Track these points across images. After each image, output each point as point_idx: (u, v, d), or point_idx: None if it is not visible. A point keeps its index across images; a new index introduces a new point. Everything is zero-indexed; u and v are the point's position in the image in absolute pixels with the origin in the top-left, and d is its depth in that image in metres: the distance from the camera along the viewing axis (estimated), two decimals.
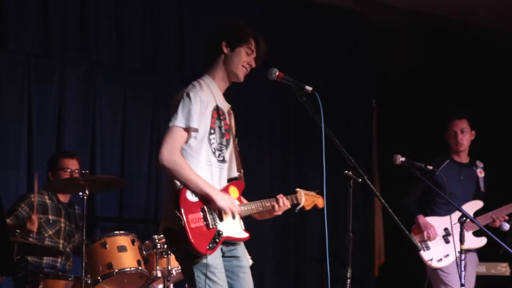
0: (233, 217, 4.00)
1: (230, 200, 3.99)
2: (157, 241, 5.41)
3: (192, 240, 3.82)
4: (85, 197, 5.24)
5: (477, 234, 5.81)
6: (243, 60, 4.08)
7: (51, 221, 5.70)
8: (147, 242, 5.48)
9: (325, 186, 3.90)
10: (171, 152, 3.86)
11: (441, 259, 5.82)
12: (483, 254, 6.08)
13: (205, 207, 3.93)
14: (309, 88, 3.91)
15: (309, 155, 7.62)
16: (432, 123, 6.56)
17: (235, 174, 4.20)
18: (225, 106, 4.13)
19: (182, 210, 3.85)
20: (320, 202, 4.42)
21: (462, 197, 5.91)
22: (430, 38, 8.23)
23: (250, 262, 4.24)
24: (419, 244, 5.75)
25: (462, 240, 4.91)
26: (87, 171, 5.34)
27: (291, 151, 7.67)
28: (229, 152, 4.14)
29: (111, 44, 6.61)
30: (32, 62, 6.32)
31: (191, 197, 3.91)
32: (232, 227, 4.02)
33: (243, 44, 4.06)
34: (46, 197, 5.76)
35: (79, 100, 6.55)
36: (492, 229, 5.46)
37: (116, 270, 5.22)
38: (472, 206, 5.91)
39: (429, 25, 8.12)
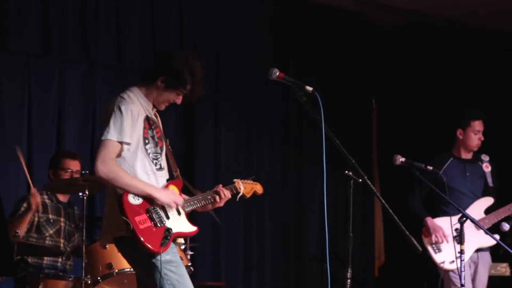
0: (178, 211, 4.09)
1: (173, 194, 4.08)
2: None
3: (143, 241, 3.90)
4: (85, 198, 5.25)
5: (489, 231, 5.73)
6: (171, 99, 4.18)
7: (51, 220, 5.69)
8: None
9: (325, 186, 3.90)
10: (105, 162, 3.92)
11: (453, 261, 5.74)
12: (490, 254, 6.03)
13: (149, 207, 4.00)
14: (309, 88, 3.91)
15: (309, 155, 7.62)
16: (432, 123, 6.56)
17: (172, 175, 4.28)
18: (153, 115, 4.20)
19: (127, 215, 3.92)
20: (259, 188, 4.58)
21: (471, 194, 5.86)
22: (430, 38, 8.23)
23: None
24: (418, 245, 5.72)
25: (461, 240, 4.90)
26: (87, 171, 5.34)
27: (291, 151, 7.67)
28: (164, 158, 4.21)
29: (111, 44, 6.61)
30: (32, 62, 6.32)
31: (133, 200, 3.98)
32: (180, 223, 4.11)
33: (177, 89, 4.13)
34: (46, 196, 5.75)
35: (79, 100, 6.54)
36: (492, 229, 5.44)
37: (116, 271, 5.21)
38: (483, 203, 5.86)
39: (429, 25, 8.12)
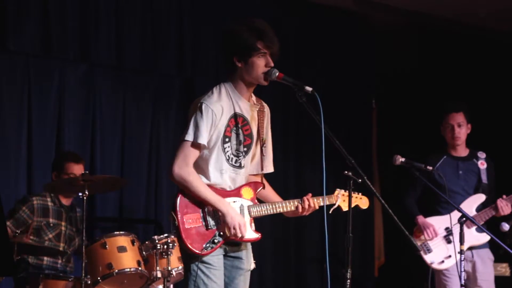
0: (238, 235, 3.98)
1: (238, 216, 3.98)
2: (157, 241, 5.41)
3: (185, 239, 3.88)
4: (85, 198, 5.24)
5: (479, 230, 5.69)
6: (260, 68, 3.99)
7: (51, 224, 5.68)
8: (147, 242, 5.48)
9: (325, 186, 3.90)
10: (181, 168, 3.92)
11: (443, 261, 5.76)
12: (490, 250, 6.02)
13: (206, 208, 3.96)
14: (309, 88, 3.91)
15: (309, 156, 7.62)
16: (432, 123, 6.55)
17: (265, 171, 4.26)
18: (248, 111, 4.09)
19: (178, 210, 3.90)
20: (362, 203, 4.53)
21: (464, 192, 5.86)
22: (430, 38, 8.23)
23: (253, 266, 4.26)
24: (418, 245, 5.73)
25: (462, 241, 4.90)
26: (87, 172, 5.34)
27: (291, 151, 7.67)
28: (250, 157, 4.14)
29: (111, 44, 6.61)
30: (32, 63, 6.32)
31: (192, 197, 3.94)
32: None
33: (253, 54, 3.96)
34: (49, 199, 5.74)
35: (79, 100, 6.54)
36: (492, 229, 5.44)
37: (116, 271, 5.22)
38: (474, 201, 5.86)
39: (429, 25, 8.12)
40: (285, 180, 7.57)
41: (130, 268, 5.26)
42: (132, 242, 5.37)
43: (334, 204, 4.33)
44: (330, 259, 4.00)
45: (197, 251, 3.89)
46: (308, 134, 7.58)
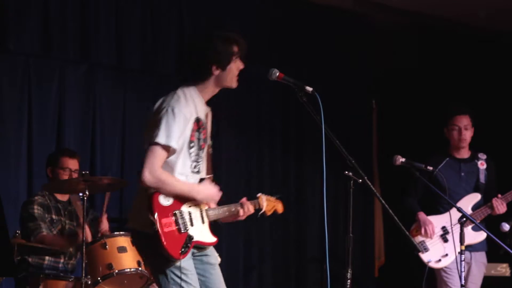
0: (202, 219, 4.06)
1: (208, 190, 4.07)
2: None
3: (165, 245, 3.86)
4: (85, 198, 5.24)
5: (476, 228, 5.72)
6: (235, 72, 4.11)
7: (54, 221, 5.69)
8: None
9: (325, 186, 3.90)
10: (152, 172, 3.89)
11: (439, 260, 5.77)
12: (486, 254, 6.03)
13: (176, 211, 3.96)
14: (309, 88, 3.91)
15: (309, 155, 7.62)
16: (432, 124, 6.55)
17: (211, 173, 4.26)
18: (204, 115, 4.13)
19: (156, 215, 3.88)
20: (279, 207, 4.55)
21: (466, 193, 5.87)
22: (430, 38, 8.23)
23: (219, 260, 4.31)
24: (419, 245, 5.74)
25: (462, 241, 4.90)
26: (87, 172, 5.33)
27: (291, 151, 7.67)
28: (204, 161, 4.18)
29: (111, 44, 6.61)
30: (32, 63, 6.32)
31: (164, 201, 3.94)
32: (202, 232, 4.07)
33: (232, 60, 4.07)
34: (46, 197, 5.74)
35: (79, 100, 6.54)
36: (492, 229, 5.44)
37: (116, 271, 5.22)
38: (469, 200, 5.86)
39: (429, 25, 8.12)
40: (285, 180, 7.58)
41: (130, 269, 5.26)
42: (132, 242, 5.36)
43: (261, 210, 4.41)
44: (330, 259, 4.00)
45: (176, 256, 3.89)
46: (308, 134, 7.58)
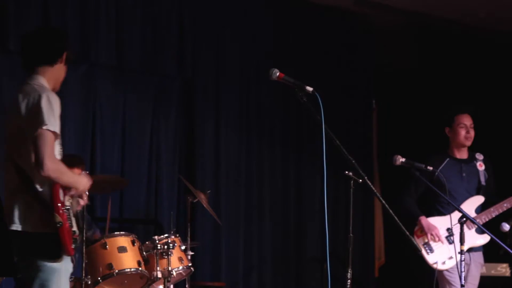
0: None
1: (87, 181, 4.03)
2: (157, 241, 5.41)
3: (67, 238, 3.77)
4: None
5: (480, 231, 5.71)
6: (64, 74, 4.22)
7: None
8: (147, 242, 5.48)
9: (325, 186, 3.90)
10: (53, 160, 3.82)
11: (445, 262, 5.76)
12: (483, 254, 6.05)
13: (67, 205, 3.88)
14: (309, 88, 3.91)
15: (309, 155, 7.62)
16: (432, 124, 6.55)
17: None
18: None
19: (60, 211, 3.77)
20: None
21: (467, 194, 5.86)
22: (430, 38, 8.23)
23: None
24: (419, 245, 5.73)
25: (462, 241, 4.90)
26: (87, 172, 5.32)
27: (291, 151, 7.67)
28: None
29: (111, 44, 6.61)
30: None
31: (61, 196, 3.85)
32: (75, 225, 3.97)
33: (70, 56, 4.18)
34: None
35: (79, 100, 6.54)
36: (492, 229, 5.44)
37: (116, 271, 5.21)
38: (473, 202, 5.85)
39: (429, 25, 8.12)
40: (285, 180, 7.57)
41: (130, 269, 5.25)
42: (133, 242, 5.36)
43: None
44: (330, 259, 4.00)
45: (71, 252, 3.80)
46: (308, 134, 7.58)
